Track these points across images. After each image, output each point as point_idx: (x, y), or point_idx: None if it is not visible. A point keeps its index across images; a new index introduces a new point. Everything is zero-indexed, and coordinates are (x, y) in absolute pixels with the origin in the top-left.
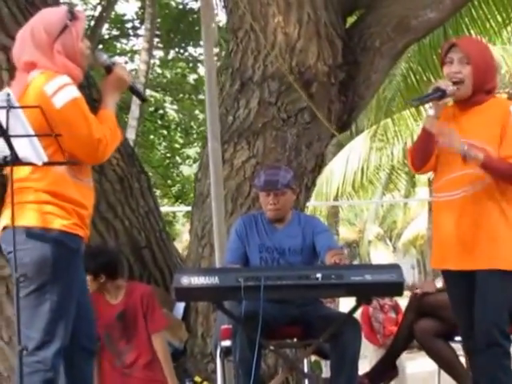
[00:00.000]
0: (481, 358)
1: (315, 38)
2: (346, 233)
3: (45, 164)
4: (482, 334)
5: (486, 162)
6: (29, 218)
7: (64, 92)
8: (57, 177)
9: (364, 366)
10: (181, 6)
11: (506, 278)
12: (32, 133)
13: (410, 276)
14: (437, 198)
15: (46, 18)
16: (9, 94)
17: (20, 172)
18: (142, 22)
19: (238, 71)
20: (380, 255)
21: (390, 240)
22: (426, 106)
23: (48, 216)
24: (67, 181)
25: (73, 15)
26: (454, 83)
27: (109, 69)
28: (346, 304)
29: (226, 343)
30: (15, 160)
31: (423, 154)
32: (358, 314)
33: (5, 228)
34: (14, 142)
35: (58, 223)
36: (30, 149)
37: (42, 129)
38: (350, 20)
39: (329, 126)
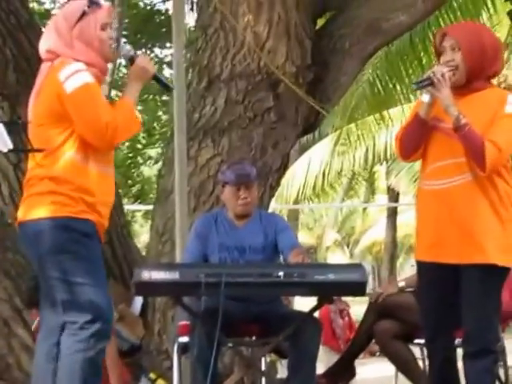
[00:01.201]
0: (473, 365)
1: (285, 39)
2: (304, 238)
3: (9, 151)
4: (473, 339)
5: (464, 127)
6: (35, 210)
7: (76, 77)
8: (65, 163)
9: (319, 371)
10: (149, 7)
11: (496, 273)
12: None
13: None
14: (425, 186)
15: (67, 6)
16: None
17: (31, 161)
18: None
19: (206, 69)
20: (337, 261)
21: (348, 246)
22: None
23: (54, 206)
24: (76, 167)
25: (93, 3)
26: (452, 70)
27: (132, 59)
28: (301, 304)
29: (184, 339)
30: None
31: (414, 141)
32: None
33: (19, 223)
34: None
35: (64, 210)
36: None
37: (56, 115)
38: (321, 22)
39: (311, 101)
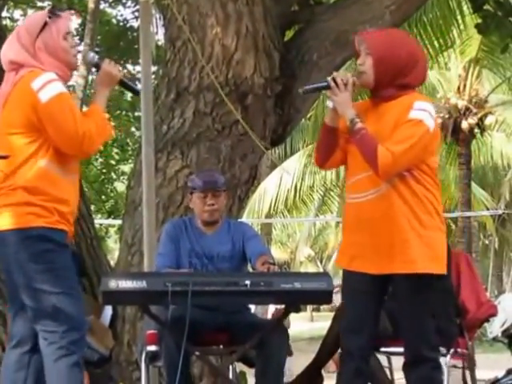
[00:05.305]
0: (410, 374)
1: (253, 51)
2: (277, 253)
3: None
4: (408, 350)
5: (359, 131)
6: (11, 220)
7: (50, 87)
8: (39, 172)
9: None
10: (121, 24)
11: (422, 281)
12: None
13: (338, 298)
14: (348, 199)
15: (29, 18)
16: None
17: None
18: (81, 39)
19: (174, 81)
20: None
21: (321, 262)
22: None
23: (29, 216)
24: (50, 176)
25: (54, 14)
26: (360, 73)
27: (97, 66)
28: None
29: (152, 348)
30: None
31: (325, 148)
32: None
33: None
34: None
35: (39, 221)
36: None
37: (30, 125)
38: (290, 34)
39: (258, 142)
